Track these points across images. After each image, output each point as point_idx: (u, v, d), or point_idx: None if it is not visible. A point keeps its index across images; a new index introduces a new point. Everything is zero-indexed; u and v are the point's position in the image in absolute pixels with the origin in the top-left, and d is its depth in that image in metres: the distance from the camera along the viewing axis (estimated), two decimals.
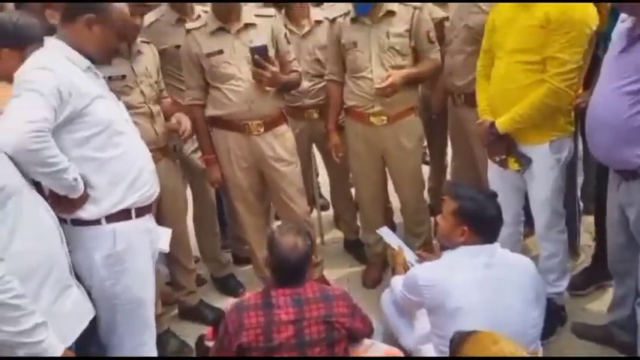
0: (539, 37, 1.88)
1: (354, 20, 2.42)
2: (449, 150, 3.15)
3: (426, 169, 3.40)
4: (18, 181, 1.39)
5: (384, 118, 2.46)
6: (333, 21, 2.51)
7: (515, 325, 1.61)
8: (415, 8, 2.38)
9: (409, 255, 2.27)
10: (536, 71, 1.92)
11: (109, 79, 2.01)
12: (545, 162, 2.06)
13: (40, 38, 1.70)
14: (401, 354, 1.88)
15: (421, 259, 2.19)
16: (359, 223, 3.01)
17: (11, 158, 1.39)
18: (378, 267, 2.83)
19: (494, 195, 1.83)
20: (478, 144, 2.38)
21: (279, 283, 1.69)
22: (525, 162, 2.08)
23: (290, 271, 1.67)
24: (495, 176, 2.25)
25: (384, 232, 2.48)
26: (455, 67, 2.51)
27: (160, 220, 2.19)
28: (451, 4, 2.63)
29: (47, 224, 1.48)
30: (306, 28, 2.71)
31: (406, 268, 2.11)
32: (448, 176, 3.50)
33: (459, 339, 1.34)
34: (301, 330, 1.62)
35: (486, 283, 1.67)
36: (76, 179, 1.54)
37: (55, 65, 1.53)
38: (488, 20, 2.15)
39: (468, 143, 2.62)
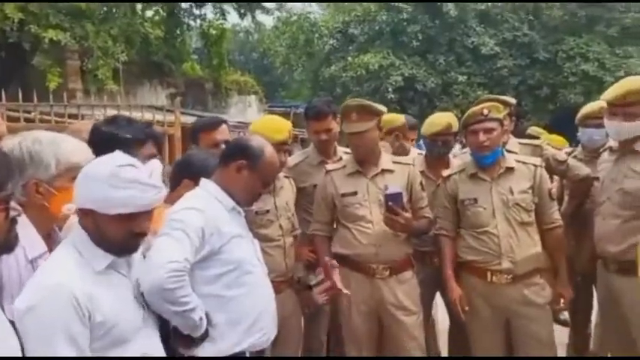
0: None
1: (472, 176, 2.42)
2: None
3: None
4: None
5: (509, 276, 2.30)
6: (447, 178, 2.52)
7: None
8: (536, 165, 2.39)
9: None
10: None
11: (256, 213, 2.18)
12: None
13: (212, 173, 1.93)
14: None
15: None
16: None
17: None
18: None
19: None
20: (635, 319, 2.05)
21: None
22: None
23: None
24: None
25: None
26: (608, 232, 2.29)
27: (273, 352, 2.15)
28: (599, 164, 2.49)
29: None
30: None
31: None
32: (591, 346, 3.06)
33: None
34: None
35: None
36: (201, 318, 1.59)
37: (204, 206, 1.68)
38: None
39: (619, 313, 2.28)
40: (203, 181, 1.82)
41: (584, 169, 2.67)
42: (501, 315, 2.36)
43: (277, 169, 2.03)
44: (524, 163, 2.40)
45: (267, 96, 15.91)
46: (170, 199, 1.92)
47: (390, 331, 2.36)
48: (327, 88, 16.91)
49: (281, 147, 2.32)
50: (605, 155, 2.49)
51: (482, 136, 2.31)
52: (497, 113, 2.35)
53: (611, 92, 2.31)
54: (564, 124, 3.12)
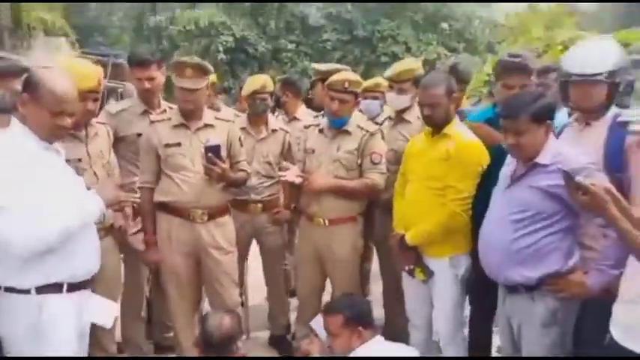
0: (441, 168, 2.30)
1: (320, 131, 2.81)
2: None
3: None
4: None
5: (322, 220, 2.73)
6: (307, 127, 2.92)
7: None
8: (367, 131, 2.73)
9: None
10: (439, 195, 2.32)
11: (67, 161, 2.16)
12: (445, 275, 2.37)
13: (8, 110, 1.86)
14: None
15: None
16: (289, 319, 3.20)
17: None
18: None
19: (353, 294, 2.29)
20: None
21: None
22: (429, 273, 2.39)
23: (214, 346, 1.80)
24: (407, 284, 2.55)
25: (316, 323, 2.50)
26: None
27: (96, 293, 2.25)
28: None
29: None
30: (263, 134, 3.09)
31: None
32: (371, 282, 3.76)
33: None
34: None
35: None
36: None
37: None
38: (405, 148, 2.58)
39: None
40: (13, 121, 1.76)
41: None
42: (314, 252, 2.79)
43: (65, 97, 1.80)
44: (361, 128, 2.74)
45: (81, 40, 14.20)
46: None
47: (208, 267, 2.62)
48: (152, 39, 15.85)
49: (89, 95, 2.26)
50: (386, 123, 3.12)
51: (336, 105, 2.66)
52: (355, 87, 2.71)
53: (390, 71, 2.92)
54: None
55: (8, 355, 1.74)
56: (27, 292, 1.73)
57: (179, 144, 2.54)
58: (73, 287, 1.82)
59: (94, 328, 2.08)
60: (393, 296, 2.93)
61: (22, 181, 1.67)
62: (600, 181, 1.71)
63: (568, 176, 1.72)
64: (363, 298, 2.19)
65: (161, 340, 3.08)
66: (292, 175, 2.68)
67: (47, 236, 1.71)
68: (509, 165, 2.13)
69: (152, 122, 2.60)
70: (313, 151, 2.79)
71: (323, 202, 2.72)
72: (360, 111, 3.22)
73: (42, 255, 1.72)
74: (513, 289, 2.08)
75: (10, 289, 1.72)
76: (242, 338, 2.73)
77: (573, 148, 2.01)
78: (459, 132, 2.34)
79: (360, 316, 2.03)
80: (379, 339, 2.05)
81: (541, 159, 1.96)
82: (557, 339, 2.00)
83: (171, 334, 2.83)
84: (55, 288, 1.77)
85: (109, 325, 2.01)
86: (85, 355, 1.95)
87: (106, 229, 2.41)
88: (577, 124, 2.17)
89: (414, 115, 2.88)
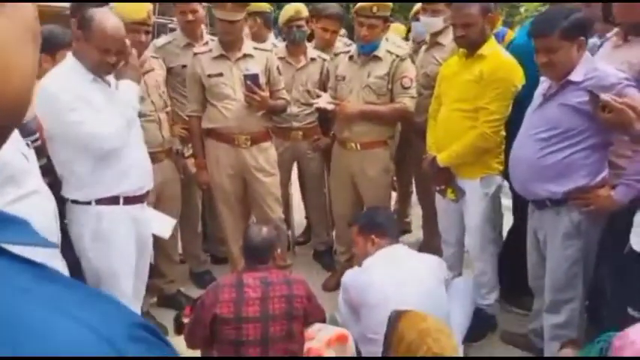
0: (474, 90, 2.32)
1: (350, 58, 2.84)
2: None
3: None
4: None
5: (354, 144, 2.84)
6: (336, 55, 2.94)
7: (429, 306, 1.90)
8: (397, 56, 2.74)
9: None
10: (470, 118, 2.36)
11: None
12: (476, 194, 2.46)
13: (68, 46, 2.04)
14: (349, 335, 2.13)
15: None
16: (331, 235, 3.41)
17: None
18: (340, 274, 3.18)
19: (379, 207, 2.40)
20: None
21: (248, 266, 2.05)
22: (460, 193, 2.49)
23: (254, 250, 2.00)
24: (440, 204, 2.67)
25: None
26: (417, 107, 2.95)
27: (157, 209, 2.52)
28: (417, 55, 3.08)
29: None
30: (302, 63, 3.14)
31: None
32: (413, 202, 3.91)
33: (395, 316, 1.70)
34: (266, 306, 1.92)
35: (398, 276, 2.04)
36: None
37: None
38: (439, 71, 2.59)
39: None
40: (67, 54, 1.96)
41: None
42: (348, 176, 2.92)
43: (112, 36, 1.92)
44: (390, 53, 2.72)
45: None
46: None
47: (253, 188, 2.84)
48: None
49: (140, 27, 2.43)
50: (422, 48, 3.10)
51: (365, 30, 2.65)
52: (383, 12, 2.66)
53: None
54: None
55: (80, 257, 2.03)
56: (88, 203, 1.99)
57: (221, 74, 2.67)
58: (129, 200, 2.07)
59: (159, 240, 2.37)
60: (430, 218, 3.08)
61: (69, 108, 1.86)
62: (629, 98, 1.73)
63: (593, 94, 1.75)
64: (383, 211, 2.33)
65: (216, 252, 3.40)
66: (324, 101, 2.77)
67: (104, 138, 1.92)
68: (543, 84, 2.14)
69: (195, 54, 2.73)
70: (344, 78, 2.82)
71: (354, 128, 2.80)
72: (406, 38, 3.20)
73: (100, 171, 1.96)
74: (541, 203, 2.15)
75: (74, 202, 2.00)
76: (285, 249, 3.00)
77: (609, 64, 1.99)
78: (495, 51, 2.32)
79: (373, 226, 2.18)
80: (397, 246, 2.19)
81: (574, 76, 1.94)
82: (579, 252, 2.10)
83: (224, 248, 3.12)
84: (112, 200, 2.03)
85: (166, 235, 2.28)
86: (149, 260, 2.24)
87: (166, 152, 2.67)
88: (616, 39, 2.12)
89: (449, 39, 2.85)
